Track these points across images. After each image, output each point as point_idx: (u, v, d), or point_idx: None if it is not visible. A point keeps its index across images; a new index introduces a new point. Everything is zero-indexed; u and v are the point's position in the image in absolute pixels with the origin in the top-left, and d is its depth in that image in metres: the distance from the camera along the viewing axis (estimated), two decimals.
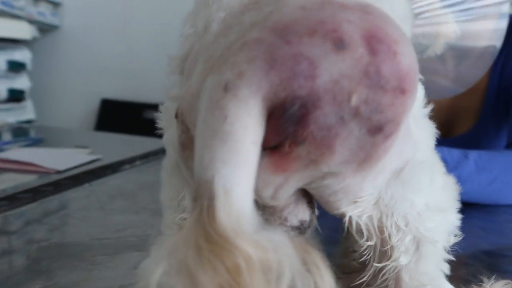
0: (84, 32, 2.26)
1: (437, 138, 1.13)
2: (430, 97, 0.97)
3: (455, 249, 0.37)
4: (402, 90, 0.26)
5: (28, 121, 2.16)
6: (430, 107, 0.37)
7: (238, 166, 0.25)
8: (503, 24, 0.73)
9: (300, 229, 0.32)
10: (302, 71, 0.25)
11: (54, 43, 2.29)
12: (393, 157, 0.30)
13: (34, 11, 2.10)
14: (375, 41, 0.26)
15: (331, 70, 0.25)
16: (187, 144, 0.31)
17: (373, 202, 0.32)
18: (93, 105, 2.18)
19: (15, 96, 2.13)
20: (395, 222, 0.33)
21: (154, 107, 1.62)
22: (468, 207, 0.75)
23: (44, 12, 2.16)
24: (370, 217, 0.33)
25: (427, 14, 0.70)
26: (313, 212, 0.33)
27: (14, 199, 0.78)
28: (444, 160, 0.76)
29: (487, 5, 0.72)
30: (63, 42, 2.28)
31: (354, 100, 0.25)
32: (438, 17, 0.71)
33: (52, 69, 2.27)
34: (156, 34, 2.13)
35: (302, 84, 0.25)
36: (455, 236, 0.37)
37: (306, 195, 0.32)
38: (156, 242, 0.42)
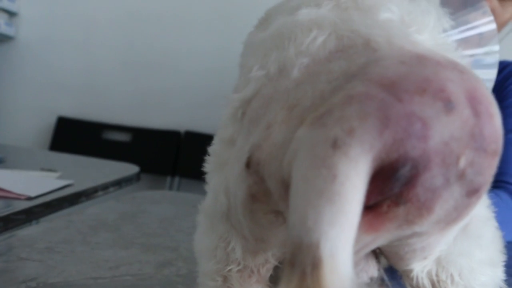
0: (41, 45, 2.15)
1: None
2: None
3: None
4: (496, 152, 0.27)
5: None
6: None
7: (345, 229, 0.23)
8: (493, 74, 0.76)
9: (369, 285, 0.31)
10: (416, 132, 0.24)
11: (8, 55, 2.16)
12: None
13: None
14: (476, 102, 0.26)
15: (442, 131, 0.25)
16: (259, 196, 0.29)
17: (435, 256, 0.32)
18: (49, 123, 2.07)
19: None
20: (451, 274, 0.34)
21: (116, 127, 1.57)
22: None
23: None
24: (430, 271, 0.33)
25: None
26: (380, 268, 0.32)
27: None
28: None
29: (478, 54, 0.75)
30: (18, 54, 2.16)
31: (462, 163, 0.25)
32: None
33: (5, 83, 2.15)
34: (120, 51, 2.07)
35: (415, 145, 0.24)
36: None
37: (374, 251, 0.31)
38: None
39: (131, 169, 1.20)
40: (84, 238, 0.72)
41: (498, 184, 0.90)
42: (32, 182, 0.95)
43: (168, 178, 1.88)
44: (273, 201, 0.29)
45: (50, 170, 1.09)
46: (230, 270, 0.35)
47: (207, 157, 0.36)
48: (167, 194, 1.21)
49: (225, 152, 0.34)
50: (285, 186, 0.27)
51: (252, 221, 0.31)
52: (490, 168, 0.27)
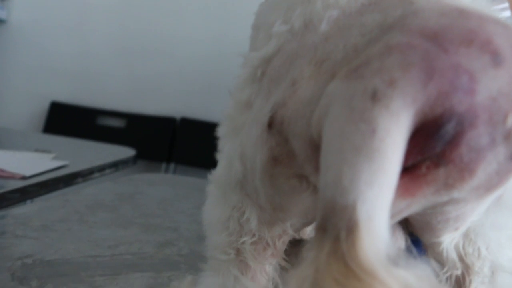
0: (34, 28, 2.11)
1: None
2: None
3: None
4: None
5: None
6: None
7: (384, 189, 0.21)
8: None
9: (397, 259, 0.29)
10: (462, 85, 0.22)
11: (0, 39, 2.12)
12: None
13: None
14: None
15: (490, 86, 0.23)
16: (282, 158, 0.28)
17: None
18: (42, 108, 2.04)
19: None
20: (478, 248, 0.32)
21: (109, 113, 1.54)
22: None
23: None
24: (457, 245, 0.31)
25: None
26: (407, 239, 0.30)
27: None
28: None
29: None
30: (10, 38, 2.12)
31: (510, 121, 0.23)
32: None
33: None
34: (113, 36, 2.03)
35: (461, 99, 0.22)
36: None
37: (401, 222, 0.29)
38: (206, 268, 0.38)
39: (127, 152, 1.17)
40: (81, 217, 0.70)
41: None
42: (26, 162, 0.93)
43: (164, 165, 1.86)
44: (298, 164, 0.27)
45: (45, 151, 1.06)
46: (243, 242, 0.33)
47: (220, 122, 0.34)
48: (165, 177, 1.19)
49: (241, 115, 0.32)
50: (313, 145, 0.25)
51: (272, 188, 0.29)
52: None
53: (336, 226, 0.21)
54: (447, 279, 0.32)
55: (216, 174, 0.35)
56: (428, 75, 0.22)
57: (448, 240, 0.30)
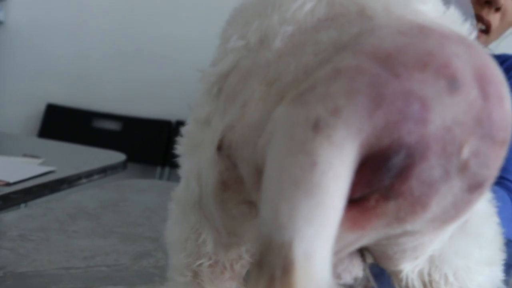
0: (32, 30, 2.10)
1: None
2: None
3: None
4: (506, 141, 0.23)
5: None
6: None
7: (325, 227, 0.20)
8: None
9: (353, 286, 0.27)
10: (413, 114, 0.21)
11: None
12: None
13: None
14: (486, 82, 0.22)
15: (444, 114, 0.21)
16: (231, 184, 0.26)
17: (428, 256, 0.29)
18: (38, 110, 2.03)
19: None
20: (445, 274, 0.30)
21: (105, 116, 1.53)
22: None
23: None
24: (421, 271, 0.30)
25: None
26: (365, 267, 0.28)
27: None
28: None
29: None
30: (7, 39, 2.12)
31: (465, 153, 0.22)
32: None
33: None
34: (111, 38, 2.02)
35: (411, 129, 0.21)
36: None
37: (359, 249, 0.28)
38: None
39: (117, 157, 1.16)
40: (61, 226, 0.68)
41: (496, 179, 0.88)
42: (11, 168, 0.92)
43: (158, 168, 1.85)
44: (246, 190, 0.26)
45: (33, 156, 1.05)
46: (200, 264, 0.31)
47: (179, 138, 0.32)
48: (154, 183, 1.17)
49: (199, 133, 0.31)
50: (259, 173, 0.24)
51: (223, 212, 0.28)
52: (497, 160, 0.23)
53: (271, 264, 0.20)
54: None
55: (177, 191, 0.34)
56: (375, 103, 0.20)
57: (410, 268, 0.28)
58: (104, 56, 2.02)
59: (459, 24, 0.28)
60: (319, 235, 0.20)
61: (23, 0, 2.12)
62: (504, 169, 0.88)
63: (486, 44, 0.93)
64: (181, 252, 0.33)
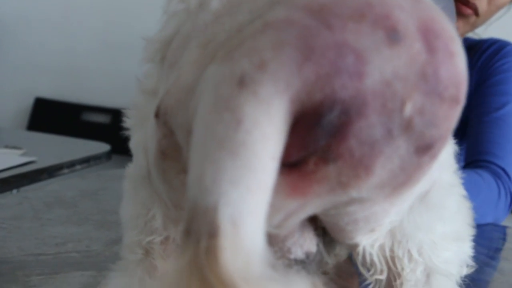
0: (18, 23, 2.09)
1: None
2: None
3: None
4: (457, 100, 0.21)
5: None
6: None
7: (252, 190, 0.18)
8: None
9: (305, 262, 0.26)
10: (347, 66, 0.19)
11: None
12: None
13: None
14: (433, 36, 0.21)
15: (383, 68, 0.20)
16: (169, 152, 0.25)
17: (387, 229, 0.27)
18: (26, 104, 2.01)
19: None
20: (408, 250, 0.29)
21: (94, 109, 1.52)
22: None
23: None
24: (382, 246, 0.28)
25: None
26: (320, 242, 0.27)
27: None
28: None
29: None
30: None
31: (408, 109, 0.20)
32: None
33: None
34: (98, 31, 2.01)
35: (346, 83, 0.19)
36: (468, 266, 0.32)
37: (313, 221, 0.27)
38: (115, 269, 0.35)
39: (102, 147, 1.15)
40: (36, 214, 0.67)
41: (481, 163, 0.86)
42: None
43: None
44: (183, 158, 0.24)
45: (14, 147, 1.04)
46: (151, 241, 0.30)
47: (127, 111, 0.31)
48: None
49: (147, 104, 0.30)
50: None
51: (166, 183, 0.26)
52: (447, 119, 0.21)
53: (197, 231, 0.18)
54: (375, 283, 0.30)
55: (129, 168, 0.33)
56: (304, 56, 0.19)
57: (368, 242, 0.27)
58: (92, 49, 2.01)
59: None
60: (247, 199, 0.18)
61: None
62: (491, 153, 0.87)
63: (473, 27, 0.92)
64: (133, 229, 0.32)
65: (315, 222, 0.26)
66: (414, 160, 0.21)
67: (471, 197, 0.81)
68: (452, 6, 0.72)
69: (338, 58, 0.19)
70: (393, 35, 0.20)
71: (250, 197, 0.18)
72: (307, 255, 0.26)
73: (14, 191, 0.84)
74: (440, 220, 0.29)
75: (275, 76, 0.19)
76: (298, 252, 0.26)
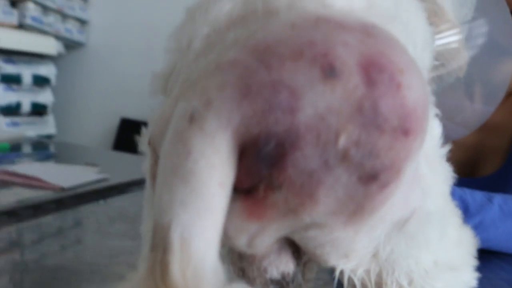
0: (109, 51, 2.28)
1: (460, 179, 1.06)
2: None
3: None
4: (405, 131, 0.22)
5: (49, 136, 2.17)
6: (447, 147, 0.33)
7: (201, 212, 0.21)
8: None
9: (282, 283, 0.27)
10: (280, 102, 0.21)
11: (79, 60, 2.31)
12: (396, 206, 0.26)
13: (62, 27, 2.14)
14: (375, 70, 0.21)
15: (316, 103, 0.21)
16: None
17: (370, 255, 0.28)
18: (113, 124, 2.18)
19: (38, 110, 2.15)
20: (396, 279, 0.29)
21: None
22: (492, 256, 0.69)
23: (71, 29, 2.20)
24: (368, 272, 0.29)
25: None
26: (299, 264, 0.28)
27: (13, 214, 0.76)
28: (466, 203, 0.71)
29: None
30: (88, 59, 2.31)
31: (342, 142, 0.21)
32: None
33: (75, 86, 2.30)
34: None
35: (279, 118, 0.21)
36: None
37: (292, 244, 0.28)
38: (126, 278, 0.39)
39: None
40: (99, 227, 0.74)
41: None
42: (69, 175, 1.00)
43: None
44: None
45: (93, 164, 1.14)
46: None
47: (140, 138, 0.35)
48: None
49: None
50: None
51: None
52: (391, 150, 0.22)
53: (156, 246, 0.21)
54: None
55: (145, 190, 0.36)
56: (242, 94, 0.21)
57: (348, 266, 0.27)
58: None
59: (390, 15, 0.28)
60: (196, 221, 0.21)
61: (102, 24, 2.30)
62: None
63: None
64: (147, 243, 0.35)
65: (294, 244, 0.27)
66: (361, 189, 0.22)
67: None
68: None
69: (272, 95, 0.21)
70: (329, 72, 0.21)
71: (199, 219, 0.21)
72: (283, 275, 0.27)
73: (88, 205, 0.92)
74: (423, 249, 0.28)
75: (218, 112, 0.21)
76: (273, 272, 0.27)
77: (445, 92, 0.70)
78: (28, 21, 1.91)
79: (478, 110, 0.76)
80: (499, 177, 0.96)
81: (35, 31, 2.01)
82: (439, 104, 0.81)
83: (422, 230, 0.28)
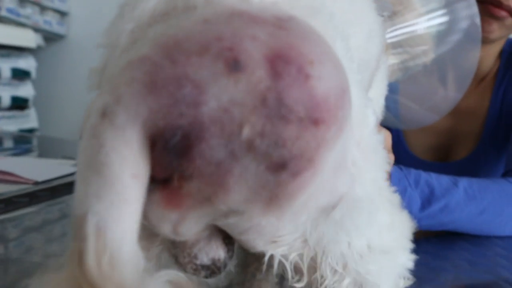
0: (91, 42, 2.25)
1: (434, 163, 1.07)
2: (407, 125, 0.92)
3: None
4: (314, 121, 0.23)
5: (31, 130, 2.16)
6: (381, 134, 0.34)
7: (115, 203, 0.22)
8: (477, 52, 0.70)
9: (212, 268, 0.28)
10: (184, 96, 0.22)
11: (59, 52, 2.29)
12: (320, 193, 0.26)
13: (40, 19, 2.12)
14: (282, 62, 0.22)
15: (220, 96, 0.22)
16: None
17: (301, 240, 0.28)
18: None
19: (19, 104, 2.13)
20: (330, 263, 0.30)
21: None
22: (457, 238, 0.71)
23: (50, 21, 2.17)
24: (301, 256, 0.29)
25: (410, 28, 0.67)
26: (229, 250, 0.29)
27: None
28: (432, 187, 0.72)
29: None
30: (69, 51, 2.29)
31: (246, 133, 0.22)
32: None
33: (57, 78, 2.28)
34: None
35: (184, 111, 0.22)
36: (407, 279, 0.33)
37: (222, 231, 0.29)
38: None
39: None
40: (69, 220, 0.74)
41: None
42: (44, 168, 1.00)
43: None
44: None
45: (70, 158, 1.14)
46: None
47: None
48: None
49: None
50: None
51: None
52: (300, 140, 0.22)
53: (76, 236, 0.22)
54: None
55: None
56: (149, 89, 0.22)
57: (278, 251, 0.28)
58: None
59: (320, 10, 0.28)
60: (110, 211, 0.22)
61: (83, 15, 2.28)
62: None
63: (511, 30, 0.88)
64: None
65: (224, 231, 0.28)
66: (271, 179, 0.23)
67: (500, 207, 0.77)
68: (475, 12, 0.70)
69: (177, 90, 0.22)
70: (233, 65, 0.22)
71: (114, 209, 0.22)
72: (213, 261, 0.28)
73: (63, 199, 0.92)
74: (354, 234, 0.29)
75: (127, 107, 0.22)
76: (204, 259, 0.28)
77: (415, 78, 0.71)
78: (4, 13, 1.89)
79: (447, 96, 0.77)
80: (471, 161, 0.98)
81: (12, 23, 1.98)
82: (409, 91, 0.82)
83: (350, 216, 0.29)
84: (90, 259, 0.21)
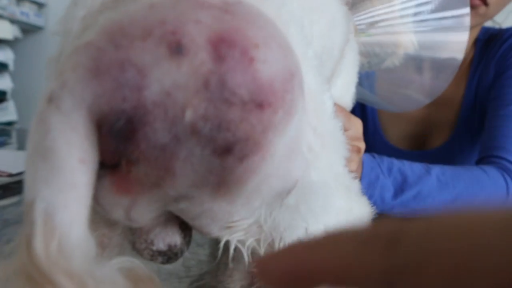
0: None
1: (411, 151, 1.08)
2: (395, 108, 0.93)
3: None
4: (259, 104, 0.22)
5: (10, 123, 2.13)
6: (341, 119, 0.34)
7: (62, 188, 0.22)
8: (464, 37, 0.70)
9: (169, 254, 0.28)
10: (127, 80, 0.21)
11: (37, 44, 2.26)
12: (273, 178, 0.26)
13: (17, 11, 2.08)
14: (226, 46, 0.22)
15: (163, 79, 0.22)
16: None
17: (257, 226, 0.28)
18: None
19: None
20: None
21: None
22: None
23: (27, 12, 2.14)
24: (258, 241, 0.29)
25: (384, 23, 0.68)
26: (186, 236, 0.29)
27: None
28: (404, 175, 0.73)
29: (447, 17, 0.70)
30: (47, 43, 2.25)
31: (189, 116, 0.22)
32: (397, 26, 0.68)
33: (35, 70, 2.24)
34: None
35: (126, 96, 0.22)
36: None
37: (178, 217, 0.29)
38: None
39: None
40: None
41: (492, 159, 0.83)
42: (19, 161, 0.99)
43: None
44: None
45: None
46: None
47: None
48: None
49: None
50: None
51: None
52: (245, 123, 0.22)
53: (25, 221, 0.22)
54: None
55: None
56: (93, 73, 0.22)
57: (234, 237, 0.28)
58: None
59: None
60: (59, 196, 0.22)
61: (61, 7, 2.23)
62: (504, 148, 0.83)
63: (485, 18, 0.88)
64: None
65: (180, 218, 0.28)
66: (216, 162, 0.23)
67: (473, 194, 0.78)
68: None
69: (120, 74, 0.22)
70: (176, 49, 0.21)
71: (62, 194, 0.22)
72: (170, 247, 0.28)
73: None
74: (310, 220, 0.29)
75: (72, 92, 0.22)
76: (160, 244, 0.28)
77: (400, 67, 0.71)
78: None
79: (431, 84, 0.77)
80: (446, 149, 0.99)
81: None
82: (393, 78, 0.82)
83: (305, 201, 0.29)
84: (38, 245, 0.21)
